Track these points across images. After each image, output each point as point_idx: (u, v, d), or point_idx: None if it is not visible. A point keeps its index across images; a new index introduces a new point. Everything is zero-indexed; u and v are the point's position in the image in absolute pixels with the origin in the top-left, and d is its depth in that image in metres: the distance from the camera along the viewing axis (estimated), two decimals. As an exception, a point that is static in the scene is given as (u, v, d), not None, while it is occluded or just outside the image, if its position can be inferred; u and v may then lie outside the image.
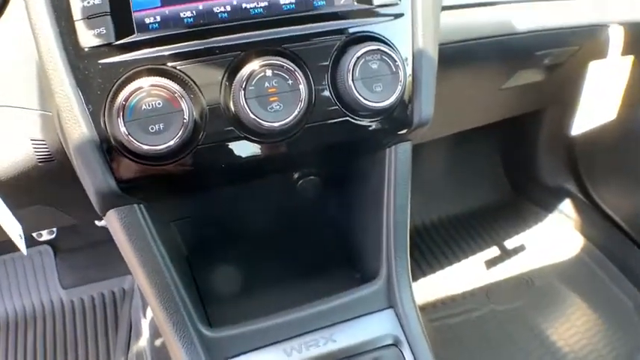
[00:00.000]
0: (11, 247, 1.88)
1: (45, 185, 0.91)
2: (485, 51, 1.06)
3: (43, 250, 2.00)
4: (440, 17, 0.92)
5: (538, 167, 2.13)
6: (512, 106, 1.61)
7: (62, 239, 2.00)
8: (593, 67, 1.30)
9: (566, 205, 2.15)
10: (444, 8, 0.95)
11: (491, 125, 1.71)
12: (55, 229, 1.92)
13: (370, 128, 0.82)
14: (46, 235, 1.92)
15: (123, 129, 0.69)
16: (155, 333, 1.50)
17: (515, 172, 2.25)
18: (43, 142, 0.83)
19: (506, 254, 2.09)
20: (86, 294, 1.98)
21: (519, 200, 2.27)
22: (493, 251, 2.10)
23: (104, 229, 0.91)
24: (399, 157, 0.91)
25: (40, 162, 0.85)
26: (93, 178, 0.74)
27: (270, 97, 0.73)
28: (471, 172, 2.26)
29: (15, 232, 0.90)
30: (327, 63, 0.78)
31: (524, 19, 1.12)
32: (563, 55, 1.40)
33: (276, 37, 0.75)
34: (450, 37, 0.96)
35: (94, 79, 0.71)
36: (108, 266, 1.96)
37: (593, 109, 1.35)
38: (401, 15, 0.82)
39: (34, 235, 1.89)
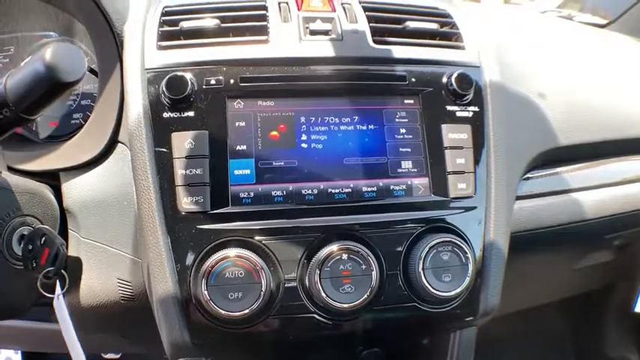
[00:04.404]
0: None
1: (121, 320, 0.96)
2: (555, 238, 1.07)
3: (106, 366, 2.03)
4: (513, 207, 0.95)
5: (603, 339, 2.04)
6: (578, 285, 1.58)
7: (127, 360, 2.03)
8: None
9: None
10: (518, 198, 0.98)
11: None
12: (120, 351, 1.95)
13: (436, 314, 0.84)
14: (111, 354, 1.96)
15: (205, 292, 0.75)
16: None
17: (580, 342, 2.16)
18: (129, 284, 0.89)
19: None
20: (141, 416, 1.96)
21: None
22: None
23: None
24: (462, 342, 0.92)
25: (122, 300, 0.90)
26: (169, 330, 0.79)
27: (344, 279, 0.77)
28: (534, 340, 2.18)
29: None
30: (401, 249, 0.82)
31: (594, 205, 1.13)
32: (632, 235, 1.39)
33: (356, 222, 0.81)
34: (522, 227, 0.99)
35: (187, 242, 0.78)
36: (167, 395, 1.94)
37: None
38: (474, 208, 0.86)
39: (101, 351, 1.93)
